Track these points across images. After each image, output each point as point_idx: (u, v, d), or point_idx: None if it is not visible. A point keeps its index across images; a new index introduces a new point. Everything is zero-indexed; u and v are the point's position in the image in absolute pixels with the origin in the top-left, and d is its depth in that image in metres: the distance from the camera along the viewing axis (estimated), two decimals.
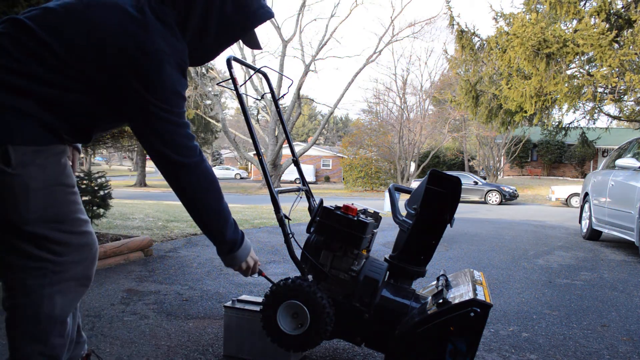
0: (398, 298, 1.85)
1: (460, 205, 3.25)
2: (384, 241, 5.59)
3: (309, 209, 2.10)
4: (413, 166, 30.31)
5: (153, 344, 2.18)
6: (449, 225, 1.89)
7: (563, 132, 11.57)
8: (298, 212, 2.32)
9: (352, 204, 1.84)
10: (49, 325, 1.30)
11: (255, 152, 1.84)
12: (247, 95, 2.83)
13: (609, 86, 8.41)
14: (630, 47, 7.63)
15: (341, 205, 1.85)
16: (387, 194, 8.95)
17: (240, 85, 1.77)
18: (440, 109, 30.94)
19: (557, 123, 11.56)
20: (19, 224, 1.21)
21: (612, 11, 8.14)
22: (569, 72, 8.73)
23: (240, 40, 1.49)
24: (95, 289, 3.05)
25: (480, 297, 1.61)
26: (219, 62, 50.16)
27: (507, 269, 4.30)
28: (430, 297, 1.83)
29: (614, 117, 11.57)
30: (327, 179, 40.14)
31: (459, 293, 1.72)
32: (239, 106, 1.82)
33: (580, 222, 7.10)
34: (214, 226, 1.47)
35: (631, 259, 5.00)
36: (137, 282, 3.32)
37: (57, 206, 1.27)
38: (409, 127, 29.71)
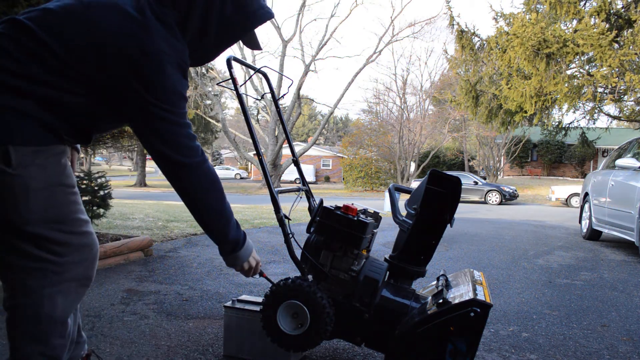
0: (398, 298, 1.85)
1: (460, 205, 3.25)
2: (384, 241, 5.59)
3: (309, 209, 2.10)
4: (413, 166, 30.31)
5: (153, 344, 2.18)
6: (449, 225, 1.89)
7: (563, 132, 11.57)
8: (298, 212, 2.32)
9: (352, 204, 1.84)
10: (50, 326, 1.30)
11: (255, 152, 1.84)
12: (247, 95, 2.83)
13: (609, 86, 8.42)
14: (630, 47, 7.64)
15: (341, 205, 1.85)
16: (387, 194, 8.95)
17: (240, 85, 1.77)
18: (440, 109, 30.94)
19: (557, 123, 11.56)
20: (20, 224, 1.21)
21: (612, 11, 8.14)
22: (569, 72, 8.73)
23: (240, 41, 1.49)
24: (95, 289, 3.05)
25: (480, 297, 1.61)
26: (219, 62, 50.19)
27: (507, 269, 4.31)
28: (430, 297, 1.83)
29: (614, 117, 11.57)
30: (327, 179, 40.15)
31: (459, 293, 1.72)
32: (239, 106, 1.82)
33: (580, 222, 7.10)
34: (216, 226, 1.47)
35: (631, 259, 5.00)
36: (137, 282, 3.32)
37: (58, 206, 1.27)
38: (409, 127, 29.71)
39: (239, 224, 1.54)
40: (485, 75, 10.48)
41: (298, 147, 28.61)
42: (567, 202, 17.38)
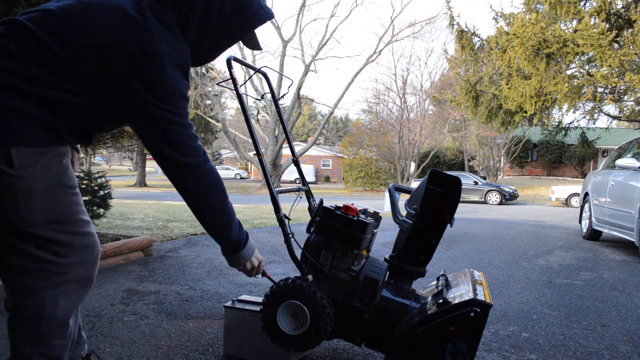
0: (398, 298, 1.85)
1: (460, 205, 3.25)
2: (384, 241, 5.59)
3: (309, 209, 2.10)
4: (413, 166, 30.31)
5: (153, 344, 2.18)
6: (449, 225, 1.89)
7: (563, 132, 11.57)
8: (298, 212, 2.32)
9: (352, 204, 1.84)
10: (51, 327, 1.30)
11: (255, 152, 1.84)
12: (247, 95, 2.83)
13: (609, 86, 8.41)
14: (630, 47, 7.63)
15: (341, 205, 1.85)
16: (387, 194, 8.95)
17: (240, 85, 1.77)
18: (440, 109, 30.94)
19: (557, 123, 11.56)
20: (21, 225, 1.21)
21: (612, 11, 8.14)
22: (569, 72, 8.73)
23: (240, 41, 1.49)
24: (95, 289, 3.05)
25: (480, 297, 1.61)
26: (219, 62, 50.23)
27: (507, 269, 4.31)
28: (430, 297, 1.83)
29: (614, 117, 11.57)
30: (327, 179, 40.14)
31: (459, 293, 1.72)
32: (239, 106, 1.82)
33: (580, 222, 7.10)
34: (218, 226, 1.47)
35: (631, 259, 5.00)
36: (137, 282, 3.32)
37: (59, 207, 1.27)
38: (409, 127, 29.71)
39: (241, 224, 1.54)
40: (485, 75, 10.48)
41: (298, 147, 28.61)
42: (567, 202, 17.38)
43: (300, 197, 2.03)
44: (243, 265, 1.58)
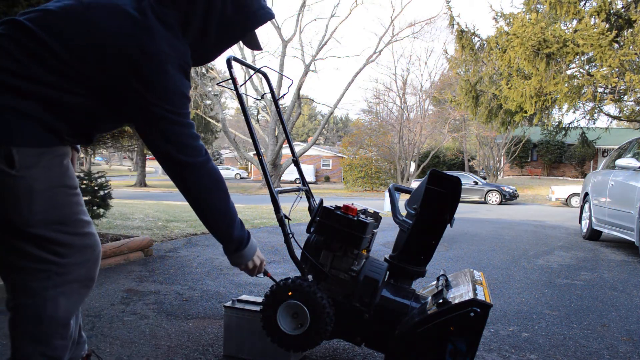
0: (398, 298, 1.85)
1: (460, 205, 3.25)
2: (384, 241, 5.59)
3: (309, 209, 2.10)
4: (413, 166, 30.31)
5: (153, 344, 2.18)
6: (449, 225, 1.89)
7: (563, 132, 11.58)
8: (298, 212, 2.32)
9: (352, 204, 1.84)
10: (52, 327, 1.30)
11: (255, 152, 1.84)
12: (247, 95, 2.83)
13: (609, 86, 8.42)
14: (630, 47, 7.64)
15: (341, 205, 1.85)
16: (387, 194, 8.95)
17: (240, 85, 1.77)
18: (440, 109, 30.94)
19: (557, 123, 11.57)
20: (22, 226, 1.21)
21: (612, 11, 8.14)
22: (569, 72, 8.73)
23: (240, 41, 1.49)
24: (95, 289, 3.05)
25: (480, 297, 1.61)
26: (219, 62, 50.21)
27: (507, 269, 4.31)
28: (430, 297, 1.83)
29: (614, 117, 11.57)
30: (327, 179, 40.14)
31: (459, 293, 1.72)
32: (239, 106, 1.82)
33: (580, 222, 7.10)
34: (220, 225, 1.47)
35: (631, 259, 5.00)
36: (137, 282, 3.32)
37: (60, 208, 1.27)
38: (409, 127, 29.71)
39: (243, 223, 1.54)
40: (485, 75, 10.48)
41: (298, 147, 28.61)
42: (567, 202, 17.38)
43: (300, 197, 2.03)
44: (245, 264, 1.58)
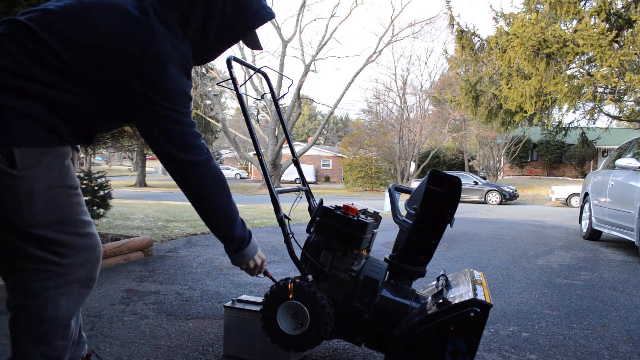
0: (398, 298, 1.85)
1: (460, 205, 3.25)
2: (384, 241, 5.59)
3: (309, 209, 2.10)
4: (413, 166, 30.31)
5: (153, 344, 2.18)
6: (449, 225, 1.89)
7: (563, 132, 11.57)
8: (298, 212, 2.32)
9: (352, 204, 1.84)
10: (52, 327, 1.30)
11: (255, 152, 1.84)
12: (247, 95, 2.83)
13: (609, 86, 8.41)
14: (630, 47, 7.63)
15: (341, 205, 1.85)
16: (387, 194, 8.95)
17: (240, 85, 1.77)
18: (440, 109, 30.94)
19: (557, 123, 11.57)
20: (23, 226, 1.20)
21: (612, 11, 8.14)
22: (569, 72, 8.73)
23: (241, 40, 1.49)
24: (95, 289, 3.05)
25: (480, 297, 1.61)
26: (219, 62, 50.18)
27: (507, 269, 4.31)
28: (430, 297, 1.83)
29: (614, 117, 11.57)
30: (327, 179, 40.14)
31: (459, 293, 1.72)
32: (239, 106, 1.82)
33: (580, 222, 7.10)
34: (221, 224, 1.47)
35: (631, 259, 5.00)
36: (137, 282, 3.32)
37: (61, 208, 1.27)
38: (409, 127, 29.71)
39: (244, 222, 1.54)
40: (485, 75, 10.48)
41: (298, 147, 28.61)
42: (567, 202, 17.38)
43: (300, 197, 2.03)
44: (246, 263, 1.58)
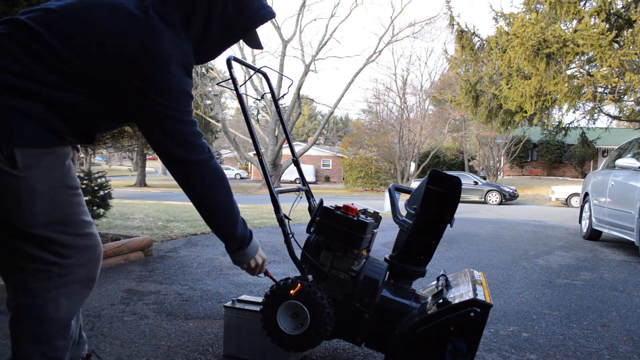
0: (398, 298, 1.85)
1: (460, 205, 3.25)
2: (384, 241, 5.59)
3: (309, 209, 2.10)
4: (413, 166, 30.31)
5: (153, 344, 2.18)
6: (449, 225, 1.89)
7: (563, 132, 11.58)
8: (298, 212, 2.32)
9: (352, 204, 1.84)
10: (53, 328, 1.30)
11: (255, 152, 1.84)
12: (247, 95, 2.83)
13: (609, 86, 8.42)
14: (630, 47, 7.63)
15: (341, 205, 1.85)
16: (387, 194, 8.95)
17: (240, 85, 1.77)
18: (440, 109, 30.94)
19: (557, 123, 11.58)
20: (24, 226, 1.20)
21: (612, 11, 8.14)
22: (569, 72, 8.73)
23: (241, 40, 1.49)
24: (95, 289, 3.05)
25: (480, 297, 1.61)
26: (219, 62, 50.12)
27: (507, 269, 4.31)
28: (430, 297, 1.83)
29: (614, 117, 11.57)
30: (327, 179, 40.14)
31: (459, 293, 1.72)
32: (239, 106, 1.83)
33: (580, 222, 7.10)
34: (223, 223, 1.47)
35: (631, 259, 5.00)
36: (137, 282, 3.32)
37: (62, 208, 1.27)
38: (409, 127, 29.71)
39: (246, 222, 1.54)
40: (485, 75, 10.47)
41: (298, 147, 28.61)
42: (567, 202, 17.38)
43: (300, 197, 2.03)
44: (247, 263, 1.58)
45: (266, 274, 1.72)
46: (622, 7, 8.41)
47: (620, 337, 2.51)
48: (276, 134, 25.36)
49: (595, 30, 7.60)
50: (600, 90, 8.91)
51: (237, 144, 27.14)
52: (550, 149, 30.59)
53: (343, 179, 32.83)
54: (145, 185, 29.75)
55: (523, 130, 25.76)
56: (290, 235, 1.81)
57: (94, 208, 4.51)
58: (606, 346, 2.37)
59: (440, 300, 1.65)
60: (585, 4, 8.90)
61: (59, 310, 1.29)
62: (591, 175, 7.03)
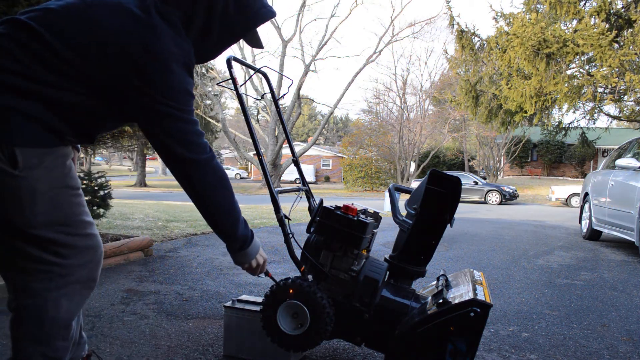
0: (398, 298, 1.85)
1: (460, 205, 3.25)
2: (384, 241, 5.59)
3: (309, 209, 2.10)
4: (413, 166, 30.31)
5: (153, 344, 2.18)
6: (449, 225, 1.89)
7: (563, 132, 11.58)
8: (298, 212, 2.32)
9: (352, 204, 1.84)
10: (54, 329, 1.30)
11: (255, 152, 1.84)
12: (247, 95, 2.83)
13: (609, 86, 8.41)
14: (630, 47, 7.63)
15: (341, 205, 1.85)
16: (387, 194, 8.94)
17: (240, 85, 1.77)
18: (440, 109, 30.94)
19: (557, 123, 11.58)
20: (25, 227, 1.20)
21: (612, 11, 8.14)
22: (569, 72, 8.73)
23: (242, 39, 1.49)
24: (95, 289, 3.03)
25: (480, 297, 1.61)
26: (219, 62, 50.11)
27: (507, 269, 4.30)
28: (430, 297, 1.83)
29: (614, 117, 11.57)
30: (327, 179, 40.14)
31: (459, 293, 1.72)
32: (239, 106, 1.82)
33: (580, 222, 7.10)
34: (224, 223, 1.47)
35: (631, 259, 5.00)
36: (137, 282, 3.32)
37: (63, 209, 1.27)
38: (409, 127, 29.71)
39: (247, 222, 1.54)
40: (485, 75, 10.47)
41: (298, 147, 28.61)
42: (567, 202, 17.38)
43: (300, 197, 2.03)
44: (249, 263, 1.58)
45: (267, 274, 1.72)
46: (622, 7, 8.41)
47: (620, 337, 2.51)
48: (276, 134, 25.36)
49: (595, 30, 7.60)
50: (600, 90, 8.91)
51: (237, 144, 27.14)
52: (550, 149, 30.60)
53: (343, 179, 32.84)
54: (145, 185, 29.75)
55: (523, 130, 25.76)
56: (290, 235, 1.81)
57: (94, 208, 4.51)
58: (606, 346, 2.37)
59: (440, 300, 1.65)
60: (585, 4, 8.90)
61: (59, 311, 1.29)
62: (591, 175, 7.03)
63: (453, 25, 10.14)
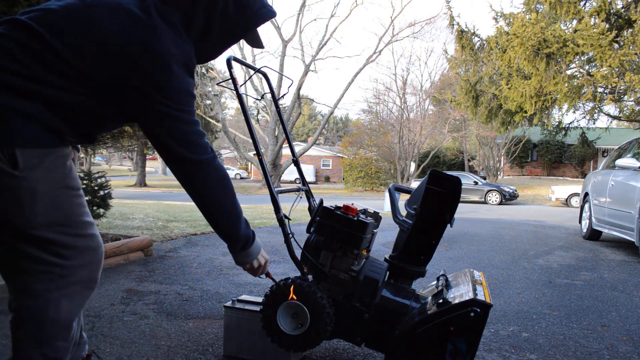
0: (398, 298, 1.85)
1: (460, 205, 3.25)
2: (384, 241, 5.59)
3: (309, 209, 2.10)
4: (413, 166, 30.31)
5: (153, 344, 2.18)
6: (449, 225, 1.89)
7: (563, 132, 11.58)
8: (298, 212, 2.32)
9: (352, 204, 1.84)
10: (54, 329, 1.30)
11: (255, 152, 1.84)
12: (247, 95, 2.83)
13: (609, 86, 8.41)
14: (630, 47, 7.63)
15: (341, 205, 1.85)
16: (387, 194, 8.94)
17: (240, 85, 1.77)
18: (440, 109, 30.94)
19: (557, 123, 11.58)
20: (25, 227, 1.20)
21: (612, 11, 8.14)
22: (569, 72, 8.73)
23: (242, 39, 1.49)
24: (95, 289, 3.05)
25: (480, 297, 1.61)
26: (219, 62, 50.10)
27: (507, 269, 4.31)
28: (430, 297, 1.83)
29: (614, 117, 11.57)
30: (327, 179, 40.14)
31: (459, 293, 1.72)
32: (239, 106, 1.82)
33: (580, 222, 7.10)
34: (226, 224, 1.47)
35: (631, 259, 5.00)
36: (137, 282, 3.32)
37: (63, 209, 1.26)
38: (409, 127, 29.71)
39: (248, 222, 1.54)
40: (485, 75, 10.47)
41: (298, 147, 28.61)
42: (567, 202, 17.38)
43: (300, 197, 2.03)
44: (250, 263, 1.58)
45: (267, 275, 1.72)
46: (622, 7, 8.41)
47: (620, 337, 2.51)
48: (276, 134, 25.36)
49: (595, 30, 7.60)
50: (600, 90, 8.91)
51: (237, 144, 27.14)
52: (550, 149, 30.60)
53: (343, 179, 32.84)
54: (145, 185, 29.75)
55: (523, 130, 25.77)
56: (290, 235, 1.81)
57: (94, 208, 4.51)
58: (606, 346, 2.37)
59: (440, 300, 1.65)
60: (585, 4, 8.90)
61: (60, 312, 1.29)
62: (591, 175, 7.03)
63: (453, 25, 10.14)
